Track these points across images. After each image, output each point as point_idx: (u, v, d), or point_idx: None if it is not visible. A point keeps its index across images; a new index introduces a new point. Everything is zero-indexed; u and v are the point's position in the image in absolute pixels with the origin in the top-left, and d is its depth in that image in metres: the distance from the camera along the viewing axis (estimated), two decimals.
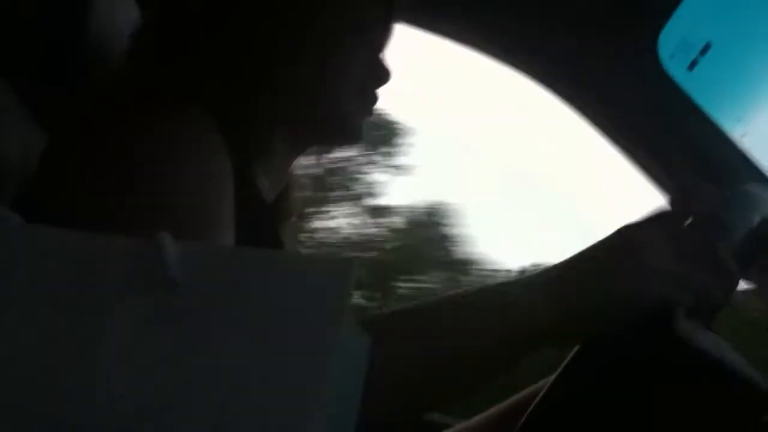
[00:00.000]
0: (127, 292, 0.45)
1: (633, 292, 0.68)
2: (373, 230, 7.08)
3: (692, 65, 1.23)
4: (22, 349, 0.44)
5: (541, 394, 0.75)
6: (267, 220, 0.93)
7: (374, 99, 0.99)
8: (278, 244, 0.96)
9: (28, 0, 0.96)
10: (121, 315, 0.44)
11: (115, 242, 0.47)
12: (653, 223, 0.72)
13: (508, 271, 6.44)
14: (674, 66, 1.25)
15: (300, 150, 1.01)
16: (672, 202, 0.77)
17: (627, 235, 0.71)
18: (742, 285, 0.76)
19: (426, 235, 7.14)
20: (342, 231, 6.94)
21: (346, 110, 0.95)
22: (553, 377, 0.76)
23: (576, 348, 0.74)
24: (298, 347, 0.42)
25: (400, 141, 7.32)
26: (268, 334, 0.43)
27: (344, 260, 0.45)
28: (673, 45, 1.23)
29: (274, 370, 0.42)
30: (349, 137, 0.99)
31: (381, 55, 1.00)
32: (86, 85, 0.95)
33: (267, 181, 0.94)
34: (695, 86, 1.25)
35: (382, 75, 0.99)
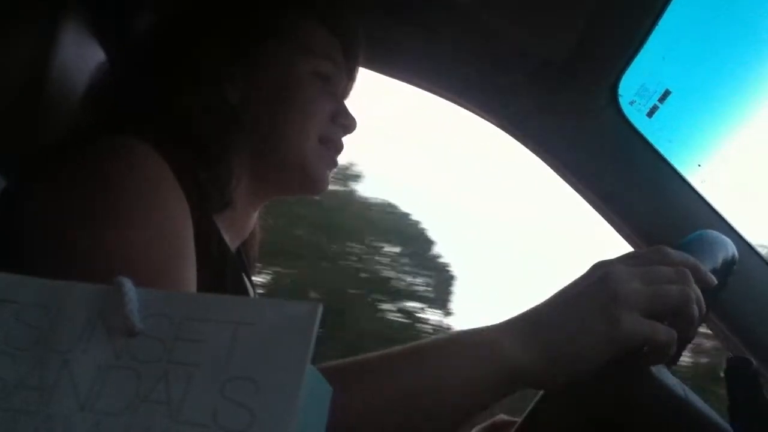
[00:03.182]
0: (87, 339, 0.44)
1: (608, 324, 0.68)
2: None
3: (652, 111, 1.25)
4: None
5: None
6: (233, 266, 0.92)
7: (339, 148, 0.99)
8: (244, 290, 0.95)
9: None
10: (80, 361, 0.44)
11: (75, 288, 0.46)
12: (626, 259, 0.73)
13: None
14: (634, 112, 1.27)
15: (263, 200, 1.01)
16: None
17: (601, 270, 0.71)
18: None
19: None
20: None
21: (310, 160, 0.95)
22: (523, 416, 0.76)
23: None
24: (260, 395, 0.41)
25: None
26: (230, 381, 0.42)
27: (309, 306, 0.44)
28: (632, 91, 1.25)
29: (236, 417, 0.41)
30: (313, 187, 0.99)
31: (344, 104, 1.00)
32: (46, 129, 0.94)
33: (231, 230, 0.93)
34: (655, 132, 1.27)
35: (346, 123, 0.99)
